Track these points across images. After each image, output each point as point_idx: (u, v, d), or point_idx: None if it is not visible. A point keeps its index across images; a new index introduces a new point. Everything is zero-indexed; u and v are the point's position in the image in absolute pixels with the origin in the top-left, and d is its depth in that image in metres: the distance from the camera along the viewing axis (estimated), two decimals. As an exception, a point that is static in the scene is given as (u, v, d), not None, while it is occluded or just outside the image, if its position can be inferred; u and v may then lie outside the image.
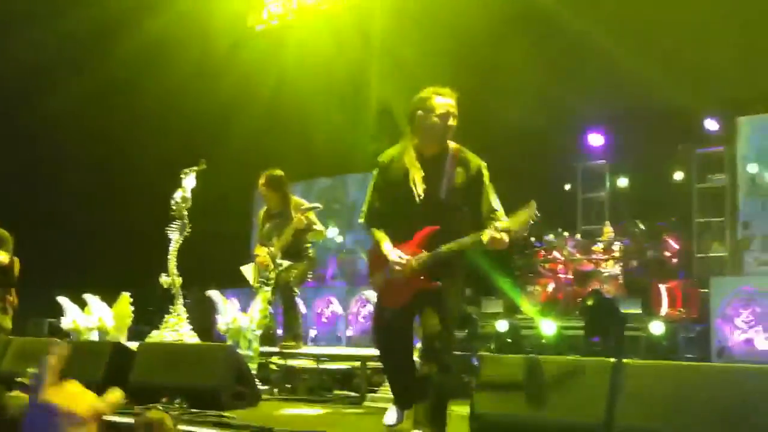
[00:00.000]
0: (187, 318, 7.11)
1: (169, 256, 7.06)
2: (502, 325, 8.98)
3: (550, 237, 10.15)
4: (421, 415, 4.07)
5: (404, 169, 4.26)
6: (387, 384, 5.29)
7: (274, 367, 6.93)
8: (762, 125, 9.26)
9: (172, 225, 7.06)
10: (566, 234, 10.21)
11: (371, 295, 5.15)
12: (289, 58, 11.87)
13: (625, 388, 3.91)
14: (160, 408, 4.45)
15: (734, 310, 8.08)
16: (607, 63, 9.31)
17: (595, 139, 11.17)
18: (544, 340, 8.67)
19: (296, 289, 7.22)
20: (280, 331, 7.60)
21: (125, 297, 7.63)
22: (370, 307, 9.62)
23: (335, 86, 11.28)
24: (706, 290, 8.61)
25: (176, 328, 6.98)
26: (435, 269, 4.16)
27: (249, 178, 9.25)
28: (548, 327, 8.65)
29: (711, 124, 10.00)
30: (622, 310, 8.41)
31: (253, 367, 6.22)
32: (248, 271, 7.36)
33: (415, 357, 4.57)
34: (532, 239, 10.20)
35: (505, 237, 3.95)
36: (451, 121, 4.23)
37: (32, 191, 12.31)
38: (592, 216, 11.50)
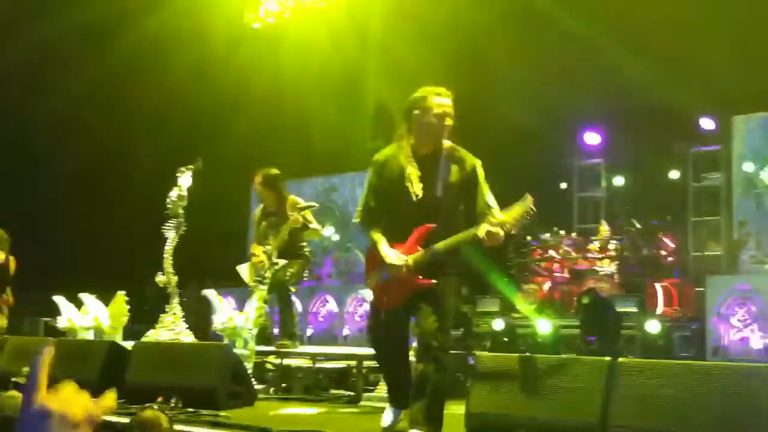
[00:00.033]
0: (183, 317, 7.10)
1: (165, 255, 7.05)
2: (498, 324, 8.98)
3: (546, 236, 10.15)
4: (417, 414, 4.07)
5: (400, 168, 4.27)
6: (383, 383, 5.30)
7: (270, 366, 6.93)
8: (757, 124, 9.29)
9: (168, 224, 7.05)
10: (562, 233, 10.21)
11: (367, 293, 5.15)
12: (286, 57, 11.85)
13: (620, 387, 3.93)
14: (156, 407, 4.44)
15: (730, 309, 8.10)
16: (603, 62, 9.31)
17: (591, 138, 11.18)
18: (539, 339, 8.68)
19: (292, 288, 7.22)
20: (276, 330, 7.60)
21: (121, 296, 7.62)
22: (366, 306, 9.62)
23: (332, 85, 11.27)
24: (702, 289, 8.64)
25: (172, 327, 6.97)
26: (431, 268, 4.16)
27: (246, 177, 9.24)
28: (544, 326, 8.66)
29: (706, 123, 10.01)
30: (618, 309, 8.42)
31: (249, 366, 6.22)
32: (244, 270, 7.36)
33: (411, 357, 4.59)
34: (528, 238, 10.21)
35: (501, 231, 3.95)
36: (448, 121, 4.24)
37: (28, 191, 12.29)
38: (587, 215, 11.51)
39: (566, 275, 9.90)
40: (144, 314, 8.32)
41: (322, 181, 12.79)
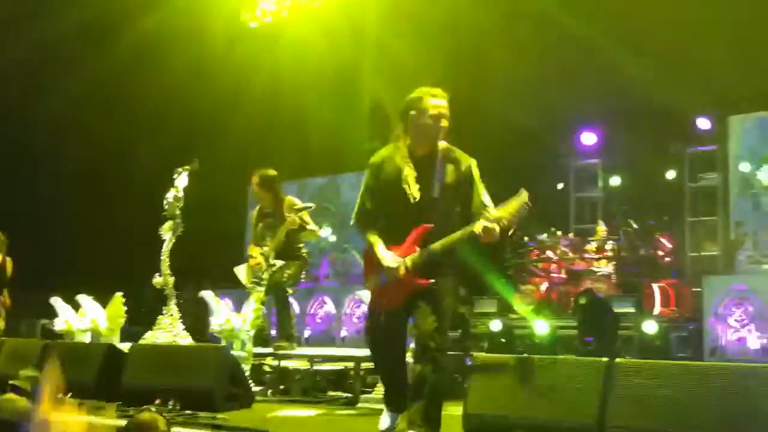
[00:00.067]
0: (181, 319, 7.09)
1: (162, 257, 7.04)
2: (495, 325, 8.98)
3: (543, 236, 10.16)
4: (415, 415, 4.07)
5: (396, 169, 4.27)
6: (381, 385, 5.29)
7: (267, 368, 6.93)
8: (754, 124, 9.29)
9: (165, 225, 7.05)
10: (559, 233, 10.22)
11: (365, 295, 5.15)
12: (283, 57, 11.84)
13: (617, 388, 3.93)
14: (153, 410, 4.43)
15: (727, 309, 8.11)
16: (599, 63, 9.32)
17: (588, 138, 11.18)
18: (537, 340, 8.68)
19: (290, 290, 7.21)
20: (273, 332, 7.59)
21: (118, 298, 7.61)
22: (364, 308, 9.60)
23: (329, 85, 11.27)
24: (699, 289, 8.64)
25: (169, 329, 6.96)
26: (428, 268, 4.16)
27: (243, 178, 9.25)
28: (541, 326, 8.66)
29: (703, 123, 10.02)
30: (615, 310, 8.42)
31: (246, 368, 6.21)
32: (241, 271, 7.35)
33: (408, 358, 4.58)
34: (525, 239, 10.22)
35: (497, 227, 3.96)
36: (443, 122, 4.26)
37: (28, 191, 12.28)
38: (584, 215, 11.52)
39: (563, 276, 9.90)
40: (141, 316, 8.31)
41: (319, 182, 12.79)
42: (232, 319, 6.46)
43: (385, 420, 4.47)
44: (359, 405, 5.98)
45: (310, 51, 11.50)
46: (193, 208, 7.23)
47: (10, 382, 4.99)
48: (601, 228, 10.11)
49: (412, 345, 4.44)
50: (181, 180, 7.05)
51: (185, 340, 6.97)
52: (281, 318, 7.20)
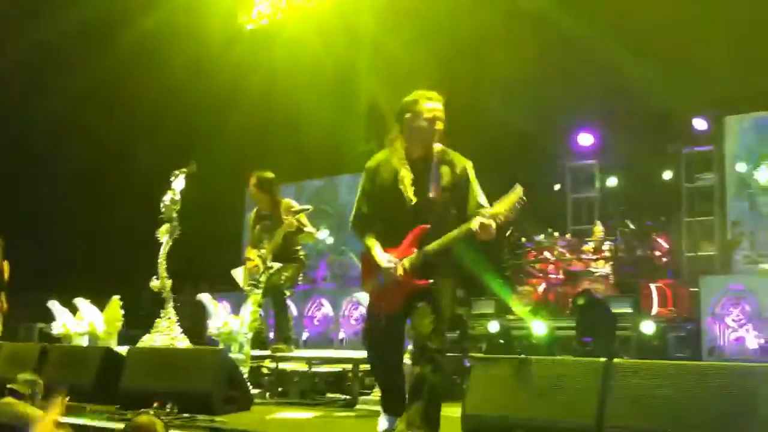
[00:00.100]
0: (178, 322, 7.08)
1: (159, 260, 7.04)
2: (493, 326, 8.98)
3: (541, 237, 10.17)
4: (415, 416, 4.07)
5: (393, 172, 4.28)
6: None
7: (265, 370, 6.92)
8: (750, 124, 9.32)
9: (162, 228, 7.05)
10: (556, 234, 10.23)
11: (362, 297, 5.14)
12: (280, 59, 11.85)
13: (616, 388, 3.93)
14: (151, 413, 4.43)
15: (724, 309, 8.12)
16: (596, 63, 9.33)
17: (585, 139, 11.19)
18: (535, 341, 8.68)
19: (287, 292, 7.20)
20: (271, 335, 7.58)
21: (116, 301, 7.60)
22: (361, 309, 9.61)
23: (326, 87, 11.28)
24: (696, 289, 8.65)
25: (167, 332, 6.96)
26: (426, 270, 4.17)
27: (240, 180, 9.23)
28: (539, 327, 8.67)
29: (699, 124, 10.04)
30: (613, 310, 8.42)
31: (244, 370, 6.21)
32: (239, 274, 7.34)
33: (406, 359, 4.58)
34: (523, 240, 10.22)
35: (493, 223, 3.97)
36: (438, 125, 4.28)
37: (28, 191, 12.27)
38: (582, 216, 11.53)
39: (561, 276, 9.91)
40: (139, 319, 8.30)
41: (316, 184, 12.79)
42: (230, 321, 6.46)
43: (383, 423, 4.46)
44: (357, 407, 5.97)
45: (307, 52, 11.51)
46: (191, 210, 7.23)
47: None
48: (599, 229, 10.11)
49: (409, 347, 4.43)
50: (178, 183, 7.05)
51: (183, 343, 6.96)
52: (279, 320, 7.20)
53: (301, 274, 7.42)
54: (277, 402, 6.35)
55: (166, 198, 7.01)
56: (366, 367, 6.02)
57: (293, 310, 9.25)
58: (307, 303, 10.89)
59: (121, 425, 4.45)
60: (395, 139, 4.37)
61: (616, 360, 4.11)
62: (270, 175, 7.35)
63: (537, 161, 10.91)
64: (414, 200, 4.20)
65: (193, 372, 5.56)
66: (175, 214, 7.03)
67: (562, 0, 9.47)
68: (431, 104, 4.27)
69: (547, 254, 10.09)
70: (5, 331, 8.56)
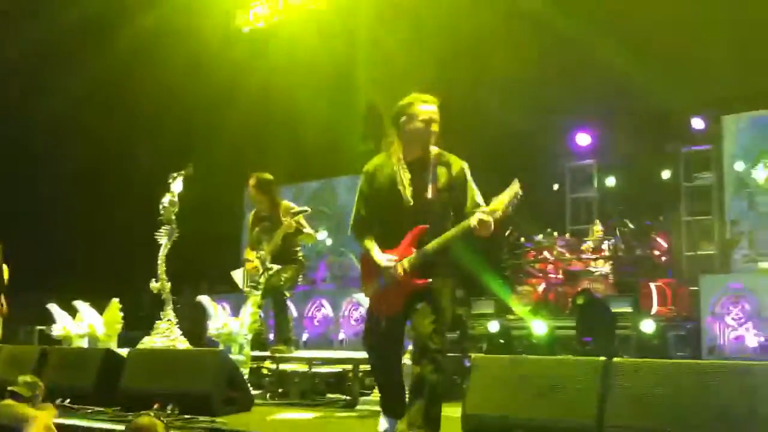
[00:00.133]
0: (178, 323, 7.09)
1: (158, 261, 7.04)
2: (493, 326, 8.99)
3: (540, 237, 10.17)
4: (416, 416, 4.07)
5: (391, 174, 4.31)
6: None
7: (266, 371, 6.92)
8: (748, 123, 9.32)
9: (160, 230, 7.05)
10: (555, 234, 10.23)
11: (362, 297, 5.15)
12: (277, 60, 11.86)
13: (616, 387, 3.93)
14: (152, 414, 4.43)
15: (724, 308, 8.13)
16: (595, 63, 9.34)
17: (583, 139, 11.20)
18: (535, 340, 8.69)
19: (287, 293, 7.20)
20: (271, 336, 7.58)
21: (115, 303, 7.60)
22: (361, 310, 9.63)
23: (323, 88, 11.28)
24: (696, 288, 8.66)
25: (167, 334, 6.96)
26: (425, 270, 4.18)
27: (239, 181, 9.23)
28: (539, 327, 8.67)
29: (698, 123, 10.05)
30: (613, 309, 8.43)
31: (245, 371, 6.21)
32: (238, 275, 7.35)
33: (405, 360, 4.58)
34: (522, 239, 10.23)
35: (491, 219, 3.98)
36: (434, 127, 4.30)
37: (28, 191, 12.27)
38: (580, 215, 11.54)
39: (560, 276, 9.91)
40: (139, 321, 8.31)
41: (314, 185, 12.79)
42: (230, 323, 6.46)
43: (383, 424, 4.47)
44: (358, 407, 5.97)
45: (305, 53, 11.52)
46: (190, 212, 7.23)
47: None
48: (598, 228, 10.13)
49: (410, 347, 4.44)
50: (177, 185, 7.06)
51: (183, 344, 6.97)
52: (279, 321, 7.20)
53: (300, 275, 7.42)
54: (277, 403, 6.35)
55: (165, 200, 7.02)
56: (366, 367, 6.03)
57: (293, 311, 9.25)
58: (307, 304, 10.89)
59: (121, 427, 4.45)
60: (392, 143, 4.39)
61: (615, 359, 4.12)
62: (269, 176, 7.35)
63: (536, 161, 10.92)
64: (412, 201, 4.22)
65: (194, 373, 5.56)
66: (173, 216, 7.04)
67: (560, 0, 9.47)
68: (426, 107, 4.30)
69: (546, 254, 10.10)
70: (5, 334, 8.56)
